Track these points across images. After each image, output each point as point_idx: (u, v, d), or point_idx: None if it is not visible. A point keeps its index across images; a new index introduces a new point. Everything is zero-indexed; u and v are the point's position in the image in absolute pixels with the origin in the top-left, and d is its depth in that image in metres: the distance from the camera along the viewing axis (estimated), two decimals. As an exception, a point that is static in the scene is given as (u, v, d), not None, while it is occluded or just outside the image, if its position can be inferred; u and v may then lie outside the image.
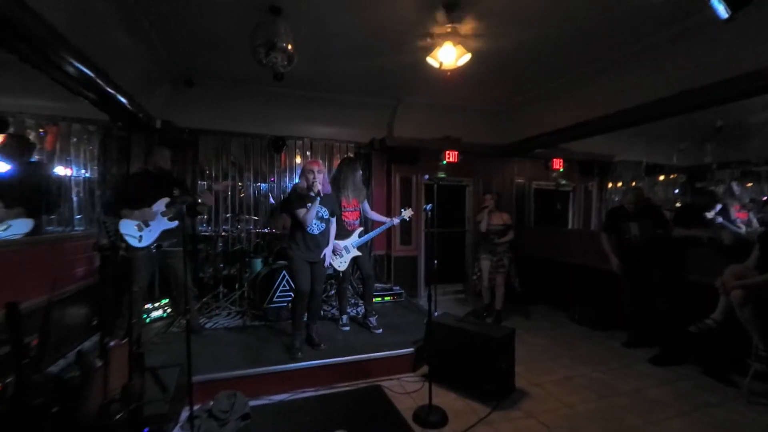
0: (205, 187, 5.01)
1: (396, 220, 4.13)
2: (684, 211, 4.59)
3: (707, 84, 3.39)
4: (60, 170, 4.34)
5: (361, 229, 4.07)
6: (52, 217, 3.87)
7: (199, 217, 4.91)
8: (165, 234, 3.42)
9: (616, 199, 7.52)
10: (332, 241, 3.56)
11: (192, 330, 3.54)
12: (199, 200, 3.58)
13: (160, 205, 3.41)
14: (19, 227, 2.91)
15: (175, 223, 3.47)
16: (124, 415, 1.90)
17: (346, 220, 3.89)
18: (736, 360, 3.12)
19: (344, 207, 3.87)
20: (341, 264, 3.85)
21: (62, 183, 4.31)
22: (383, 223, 4.16)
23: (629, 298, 3.98)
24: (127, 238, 3.24)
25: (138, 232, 3.30)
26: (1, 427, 1.60)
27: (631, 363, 3.58)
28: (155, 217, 3.37)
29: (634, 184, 7.56)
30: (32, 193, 3.01)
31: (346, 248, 3.88)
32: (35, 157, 3.53)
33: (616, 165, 7.44)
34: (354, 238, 3.95)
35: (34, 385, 1.70)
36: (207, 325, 3.96)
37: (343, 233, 3.85)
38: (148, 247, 3.32)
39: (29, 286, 2.57)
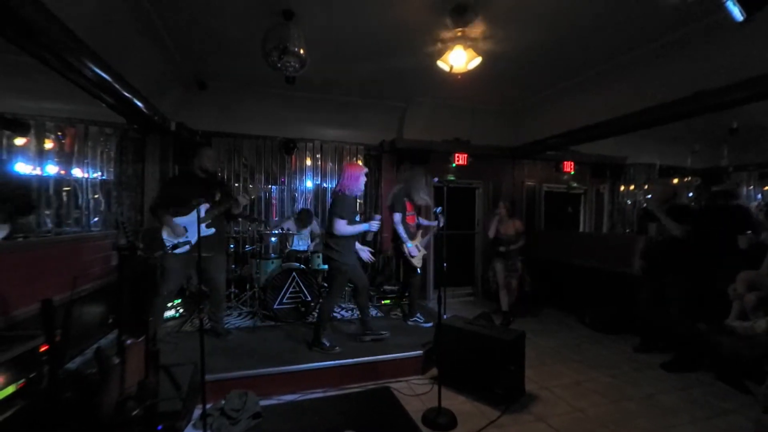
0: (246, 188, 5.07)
1: (441, 221, 4.05)
2: (705, 214, 4.42)
3: (723, 86, 3.34)
4: (77, 172, 4.46)
5: (421, 230, 4.29)
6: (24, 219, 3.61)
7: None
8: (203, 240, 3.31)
9: (629, 202, 7.43)
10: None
11: (217, 334, 3.57)
12: (238, 200, 3.44)
13: (201, 211, 3.24)
14: None
15: (213, 230, 3.36)
16: (140, 411, 1.94)
17: (410, 222, 4.12)
18: (751, 366, 3.06)
19: (409, 210, 4.07)
20: (419, 261, 4.01)
21: (33, 183, 4.15)
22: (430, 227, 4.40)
23: (645, 300, 3.92)
24: (166, 242, 3.20)
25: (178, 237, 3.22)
26: (32, 420, 1.65)
27: (642, 368, 3.53)
28: (185, 232, 3.25)
29: (645, 185, 7.47)
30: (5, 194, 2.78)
31: (417, 247, 4.04)
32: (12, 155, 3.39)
33: (628, 167, 7.36)
34: (419, 239, 4.14)
35: (58, 380, 1.76)
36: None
37: (410, 235, 4.07)
38: (185, 252, 3.19)
39: (49, 284, 2.65)
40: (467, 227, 6.42)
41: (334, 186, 3.46)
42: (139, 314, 3.11)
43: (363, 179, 3.40)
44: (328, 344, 3.30)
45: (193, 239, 3.18)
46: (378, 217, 3.51)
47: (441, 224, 4.02)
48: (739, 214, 3.80)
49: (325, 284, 4.61)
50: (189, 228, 3.28)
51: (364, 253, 3.66)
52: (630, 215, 7.40)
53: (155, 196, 3.55)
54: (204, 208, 3.29)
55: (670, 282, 3.68)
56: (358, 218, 3.52)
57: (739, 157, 7.24)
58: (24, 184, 3.15)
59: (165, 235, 3.25)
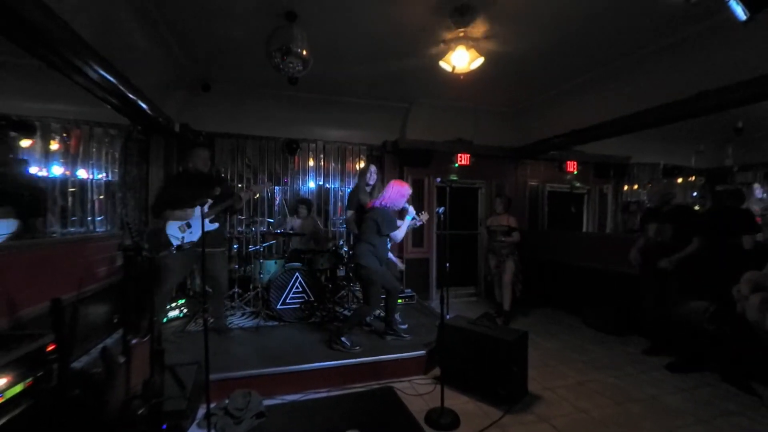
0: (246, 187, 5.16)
1: (419, 220, 3.91)
2: (712, 216, 4.09)
3: (726, 85, 3.33)
4: (82, 173, 4.50)
5: None
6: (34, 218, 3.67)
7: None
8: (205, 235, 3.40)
9: (630, 200, 7.40)
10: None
11: (218, 331, 3.61)
12: (240, 195, 3.57)
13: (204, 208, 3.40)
14: (2, 228, 2.74)
15: (216, 225, 3.46)
16: (145, 410, 1.96)
17: None
18: (757, 368, 3.04)
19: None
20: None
21: (45, 185, 4.22)
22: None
23: (649, 303, 3.89)
24: (170, 239, 3.27)
25: (180, 234, 3.32)
26: (39, 418, 1.67)
27: (646, 369, 3.52)
28: (192, 216, 3.35)
29: (649, 184, 7.43)
30: (20, 193, 2.80)
31: None
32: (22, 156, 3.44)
33: (632, 167, 7.32)
34: None
35: (66, 379, 1.78)
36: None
37: None
38: (187, 249, 3.30)
39: (54, 285, 2.67)
40: (470, 227, 6.42)
41: (378, 202, 3.57)
42: (143, 314, 3.14)
43: (407, 195, 3.57)
44: (348, 344, 3.35)
45: (196, 236, 3.32)
46: (410, 207, 3.64)
47: (420, 223, 3.94)
48: (742, 217, 3.69)
49: (329, 285, 4.63)
50: (192, 224, 3.35)
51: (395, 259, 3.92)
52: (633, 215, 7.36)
53: (156, 197, 3.65)
54: (207, 204, 3.33)
55: (671, 283, 3.66)
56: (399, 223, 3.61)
57: (744, 156, 7.19)
58: (36, 185, 3.18)
59: (170, 231, 3.29)
